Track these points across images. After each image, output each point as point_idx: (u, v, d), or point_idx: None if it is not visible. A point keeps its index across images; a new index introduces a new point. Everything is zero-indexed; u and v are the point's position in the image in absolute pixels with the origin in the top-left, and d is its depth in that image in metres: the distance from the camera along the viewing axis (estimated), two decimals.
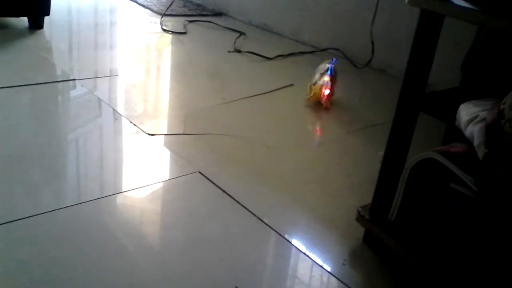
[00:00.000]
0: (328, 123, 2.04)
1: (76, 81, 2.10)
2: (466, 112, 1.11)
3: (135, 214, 1.32)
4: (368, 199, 1.29)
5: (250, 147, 1.73)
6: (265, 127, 1.90)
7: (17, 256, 1.12)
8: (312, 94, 2.10)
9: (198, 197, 1.42)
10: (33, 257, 1.12)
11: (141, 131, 1.74)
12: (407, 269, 1.21)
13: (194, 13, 3.42)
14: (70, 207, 1.30)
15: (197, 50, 2.73)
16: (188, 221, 1.31)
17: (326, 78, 2.09)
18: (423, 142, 1.40)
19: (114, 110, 1.88)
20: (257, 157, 1.67)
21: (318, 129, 2.01)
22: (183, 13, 3.39)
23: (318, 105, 2.11)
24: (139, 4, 3.50)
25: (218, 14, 3.50)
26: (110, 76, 2.23)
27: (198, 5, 3.66)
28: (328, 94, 2.07)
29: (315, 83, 2.10)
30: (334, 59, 2.20)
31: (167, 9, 3.32)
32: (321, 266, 1.20)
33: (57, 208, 1.29)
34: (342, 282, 1.16)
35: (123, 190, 1.41)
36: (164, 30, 2.99)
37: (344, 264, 1.22)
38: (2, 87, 1.94)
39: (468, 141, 1.08)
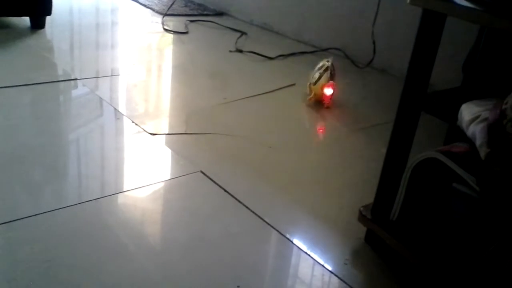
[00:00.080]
0: (330, 122, 2.03)
1: (78, 80, 2.10)
2: (468, 112, 1.10)
3: (136, 213, 1.32)
4: (370, 199, 1.29)
5: (252, 147, 1.73)
6: (266, 127, 1.90)
7: (18, 255, 1.12)
8: (312, 94, 2.10)
9: (200, 197, 1.42)
10: (33, 256, 1.12)
11: (142, 130, 1.74)
12: (408, 268, 1.21)
13: (196, 13, 3.42)
14: (71, 207, 1.30)
15: (199, 49, 2.73)
16: (190, 221, 1.31)
17: (327, 77, 2.09)
18: (424, 142, 1.40)
19: (116, 110, 1.88)
20: (258, 156, 1.67)
21: (319, 128, 2.00)
22: (185, 12, 3.39)
23: (319, 104, 2.10)
24: (140, 4, 3.50)
25: (220, 14, 3.50)
26: (111, 75, 2.23)
27: (199, 4, 3.66)
28: (331, 94, 2.07)
29: (315, 83, 2.10)
30: (331, 58, 2.19)
31: (169, 8, 3.32)
32: (323, 266, 1.20)
33: (58, 208, 1.29)
34: (343, 281, 1.16)
35: (124, 190, 1.41)
36: (166, 30, 2.99)
37: (345, 264, 1.21)
38: (3, 87, 1.94)
39: (470, 141, 1.08)
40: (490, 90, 1.24)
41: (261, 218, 1.35)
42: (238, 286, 1.11)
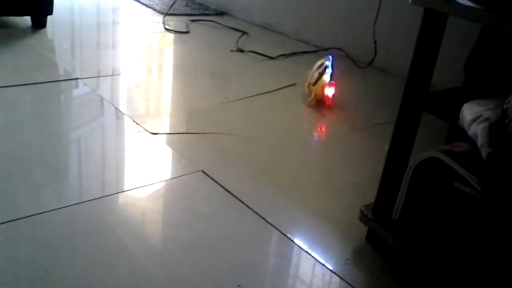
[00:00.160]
0: (331, 122, 2.03)
1: (79, 80, 2.10)
2: (469, 111, 1.10)
3: (137, 213, 1.32)
4: (371, 198, 1.28)
5: (253, 146, 1.73)
6: (267, 126, 1.90)
7: (19, 255, 1.12)
8: (313, 95, 2.09)
9: (201, 196, 1.42)
10: (34, 256, 1.12)
11: (143, 130, 1.74)
12: (410, 268, 1.21)
13: (197, 13, 3.42)
14: (71, 206, 1.30)
15: (200, 49, 2.73)
16: (191, 220, 1.31)
17: (327, 77, 2.08)
18: (426, 142, 1.39)
19: (117, 109, 1.88)
20: (260, 156, 1.67)
21: (321, 128, 2.00)
22: (186, 12, 3.39)
23: (320, 104, 2.10)
24: (141, 3, 3.50)
25: (221, 13, 3.50)
26: (112, 75, 2.23)
27: (200, 4, 3.66)
28: (333, 94, 2.07)
29: (314, 83, 2.09)
30: (328, 56, 2.18)
31: (170, 8, 3.32)
32: (324, 265, 1.20)
33: (58, 207, 1.29)
34: (344, 281, 1.16)
35: (125, 189, 1.41)
36: (167, 30, 2.99)
37: (346, 263, 1.21)
38: (5, 86, 1.94)
39: (471, 141, 1.08)
40: (492, 90, 1.24)
41: (263, 218, 1.34)
42: (239, 286, 1.10)
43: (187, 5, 3.57)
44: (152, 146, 1.65)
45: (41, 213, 1.25)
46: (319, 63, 2.16)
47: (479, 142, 1.02)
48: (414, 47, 1.11)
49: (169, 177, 1.50)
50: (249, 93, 2.16)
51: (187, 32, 2.98)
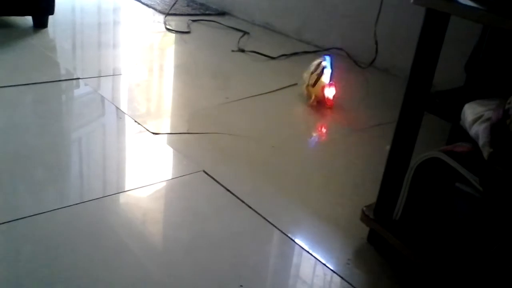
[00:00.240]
0: (332, 122, 2.03)
1: (80, 80, 2.10)
2: (471, 111, 1.10)
3: (138, 213, 1.32)
4: (372, 199, 1.28)
5: (254, 146, 1.73)
6: (269, 126, 1.90)
7: (20, 254, 1.12)
8: (313, 97, 2.09)
9: (202, 196, 1.42)
10: (35, 256, 1.12)
11: (145, 130, 1.74)
12: (411, 268, 1.21)
13: (198, 13, 3.42)
14: (73, 206, 1.30)
15: (201, 49, 2.73)
16: (192, 220, 1.31)
17: (327, 78, 2.08)
18: (427, 142, 1.39)
19: (118, 109, 1.88)
20: (261, 156, 1.67)
21: (322, 128, 2.00)
22: (187, 12, 3.39)
23: (321, 104, 2.10)
24: (142, 3, 3.50)
25: (222, 13, 3.50)
26: (113, 75, 2.23)
27: (201, 4, 3.66)
28: (333, 94, 2.07)
29: (314, 84, 2.09)
30: (325, 56, 2.17)
31: (171, 8, 3.32)
32: (325, 265, 1.20)
33: (59, 207, 1.29)
34: (346, 281, 1.16)
35: (126, 189, 1.41)
36: (168, 30, 2.99)
37: (348, 264, 1.21)
38: (6, 86, 1.94)
39: (473, 141, 1.08)
40: (493, 90, 1.24)
41: (264, 218, 1.34)
42: (241, 286, 1.10)
43: (188, 5, 3.57)
44: (153, 146, 1.65)
45: (42, 213, 1.25)
46: (315, 63, 2.15)
47: (481, 142, 1.02)
48: (415, 47, 1.11)
49: (170, 177, 1.50)
50: (250, 93, 2.16)
51: (188, 32, 2.98)
